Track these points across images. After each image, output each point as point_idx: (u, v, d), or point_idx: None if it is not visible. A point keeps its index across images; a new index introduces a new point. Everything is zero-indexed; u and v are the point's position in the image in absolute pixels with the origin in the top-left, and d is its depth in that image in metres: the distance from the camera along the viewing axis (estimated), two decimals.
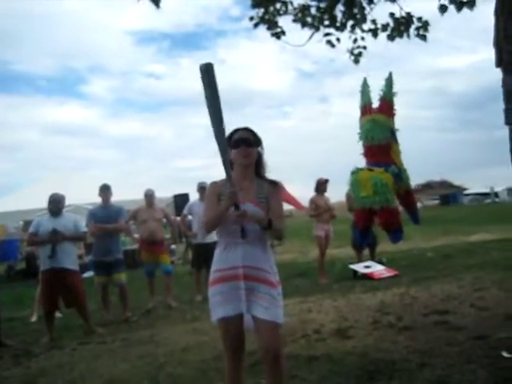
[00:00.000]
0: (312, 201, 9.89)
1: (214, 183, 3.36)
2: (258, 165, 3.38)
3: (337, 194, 11.29)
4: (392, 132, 5.45)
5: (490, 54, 3.27)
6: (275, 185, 3.36)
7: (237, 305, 3.11)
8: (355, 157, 5.54)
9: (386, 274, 9.31)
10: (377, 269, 9.53)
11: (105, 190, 7.85)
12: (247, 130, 3.33)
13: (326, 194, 10.10)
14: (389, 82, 5.52)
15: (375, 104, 5.53)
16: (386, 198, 5.11)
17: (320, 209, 9.78)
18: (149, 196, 8.73)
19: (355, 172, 5.40)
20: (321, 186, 9.93)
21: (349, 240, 10.69)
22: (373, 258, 10.22)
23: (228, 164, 3.15)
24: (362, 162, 5.55)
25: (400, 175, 5.35)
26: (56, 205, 6.94)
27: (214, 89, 3.06)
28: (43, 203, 7.22)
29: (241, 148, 3.24)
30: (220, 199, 3.22)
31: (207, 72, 3.06)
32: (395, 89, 5.47)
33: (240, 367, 3.32)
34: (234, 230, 3.14)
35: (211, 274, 3.26)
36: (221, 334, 3.27)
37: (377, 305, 6.72)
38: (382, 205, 5.11)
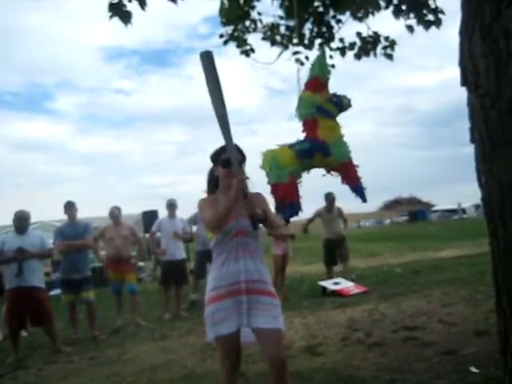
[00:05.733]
0: None
1: (204, 198, 3.37)
2: None
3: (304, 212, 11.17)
4: (319, 108, 5.37)
5: (456, 72, 3.30)
6: (259, 194, 3.40)
7: (239, 319, 3.10)
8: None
9: (356, 290, 9.33)
10: (346, 285, 9.55)
11: (70, 207, 7.74)
12: (235, 147, 3.30)
13: None
14: (319, 59, 5.48)
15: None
16: (278, 174, 5.06)
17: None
18: (114, 214, 8.63)
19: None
20: None
21: (318, 256, 10.66)
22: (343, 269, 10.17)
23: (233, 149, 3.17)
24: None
25: (320, 150, 5.17)
26: (22, 222, 6.84)
27: (215, 73, 3.08)
28: (9, 220, 7.10)
29: (231, 169, 3.21)
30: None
31: (207, 58, 3.07)
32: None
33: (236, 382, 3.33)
34: (235, 244, 3.16)
35: (208, 292, 3.22)
36: (221, 350, 3.23)
37: (346, 321, 6.72)
38: (275, 180, 5.08)
